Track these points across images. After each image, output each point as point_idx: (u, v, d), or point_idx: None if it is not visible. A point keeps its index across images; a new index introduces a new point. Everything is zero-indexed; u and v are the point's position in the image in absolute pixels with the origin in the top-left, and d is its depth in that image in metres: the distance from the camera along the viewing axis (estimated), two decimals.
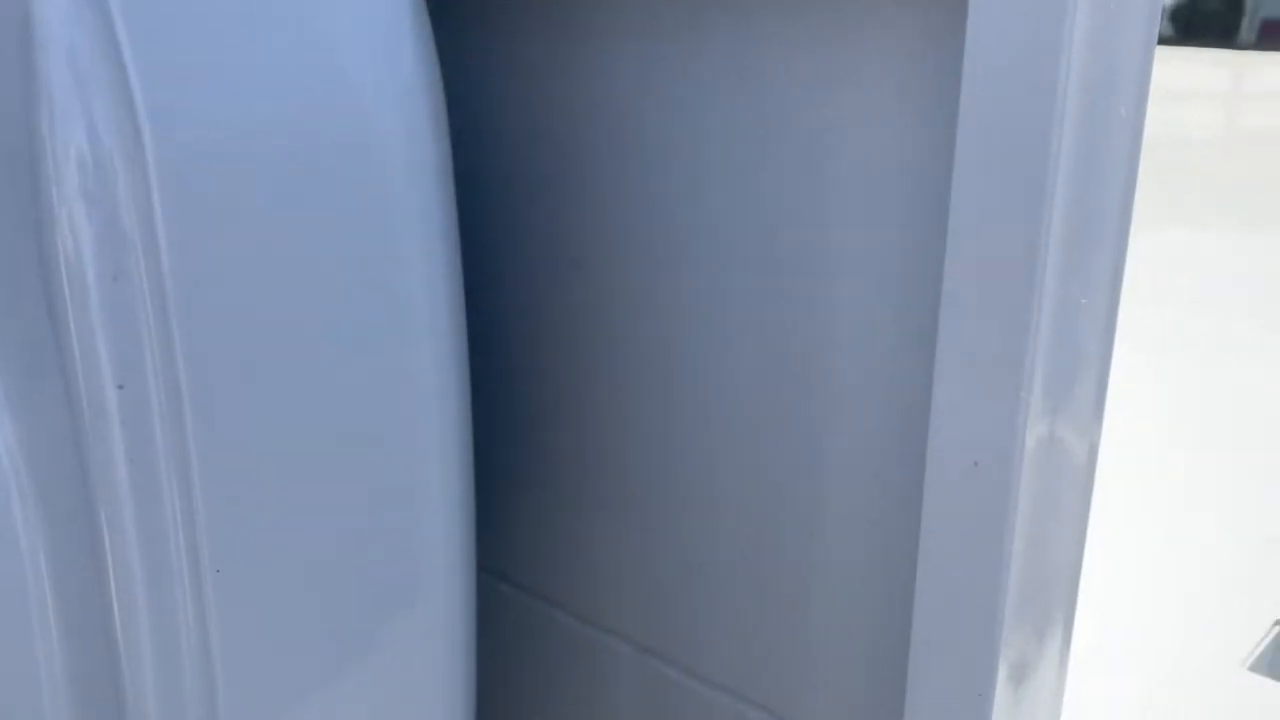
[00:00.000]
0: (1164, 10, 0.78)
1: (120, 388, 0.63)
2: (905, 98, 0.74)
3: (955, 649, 0.73)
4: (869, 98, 0.76)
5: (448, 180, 0.78)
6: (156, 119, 0.62)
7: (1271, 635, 1.11)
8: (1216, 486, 1.55)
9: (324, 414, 0.73)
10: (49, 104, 0.60)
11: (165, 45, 0.63)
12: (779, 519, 0.90)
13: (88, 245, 0.61)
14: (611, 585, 1.05)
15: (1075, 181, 0.65)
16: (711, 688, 0.99)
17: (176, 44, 0.63)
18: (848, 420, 0.84)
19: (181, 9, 0.64)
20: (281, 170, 0.68)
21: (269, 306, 0.69)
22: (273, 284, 0.69)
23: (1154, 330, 2.21)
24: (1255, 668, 1.06)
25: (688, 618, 0.99)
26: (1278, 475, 1.59)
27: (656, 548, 1.00)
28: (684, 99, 0.86)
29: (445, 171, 0.78)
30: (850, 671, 0.89)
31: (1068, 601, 0.79)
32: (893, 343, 0.80)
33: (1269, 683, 1.04)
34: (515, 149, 0.99)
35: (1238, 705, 1.05)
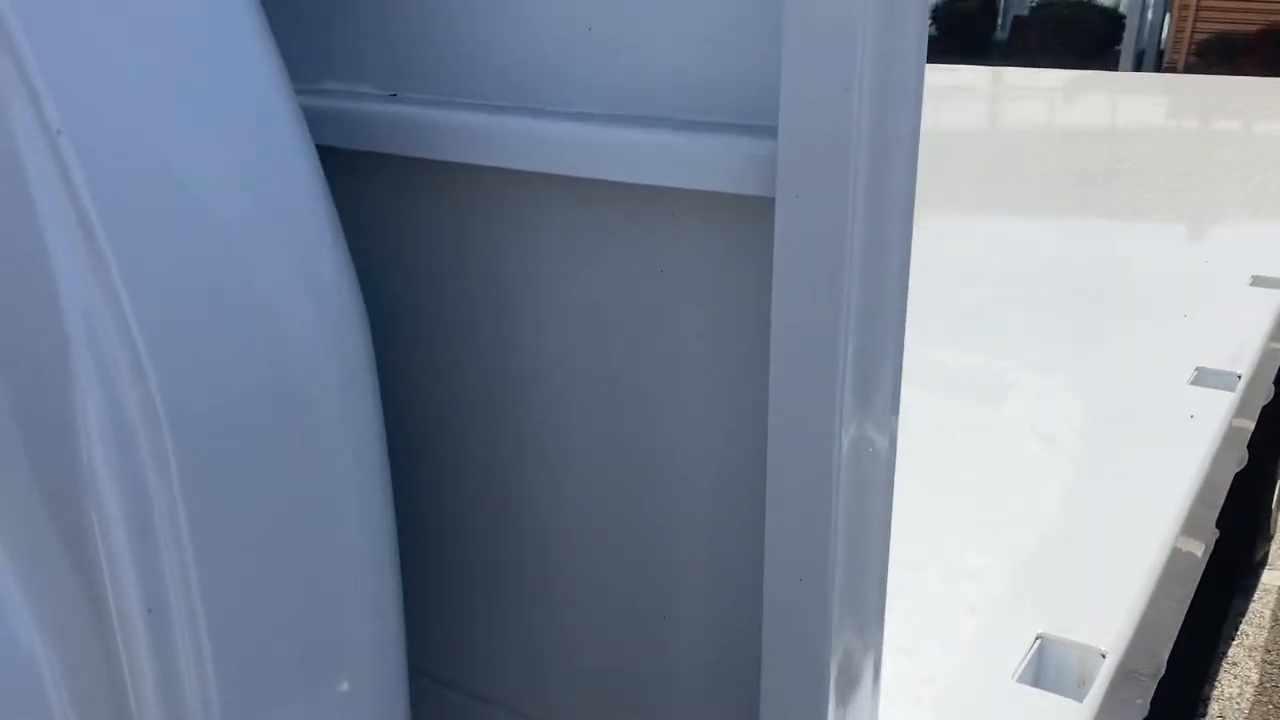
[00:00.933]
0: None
1: (149, 610, 0.76)
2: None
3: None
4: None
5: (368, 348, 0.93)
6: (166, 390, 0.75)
7: (1034, 649, 1.35)
8: (977, 497, 1.74)
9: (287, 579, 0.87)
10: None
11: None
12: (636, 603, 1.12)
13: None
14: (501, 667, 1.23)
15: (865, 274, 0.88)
16: None
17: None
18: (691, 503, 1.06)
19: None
20: (254, 392, 0.82)
21: (246, 500, 0.83)
22: (250, 479, 0.83)
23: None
24: (1022, 679, 1.29)
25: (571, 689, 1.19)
26: (1038, 485, 1.79)
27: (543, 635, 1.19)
28: (539, 268, 1.06)
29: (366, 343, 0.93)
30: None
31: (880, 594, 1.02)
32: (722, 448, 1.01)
33: (1035, 691, 1.27)
34: (413, 298, 1.16)
35: (1010, 714, 1.28)
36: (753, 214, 0.92)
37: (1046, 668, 1.33)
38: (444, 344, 1.16)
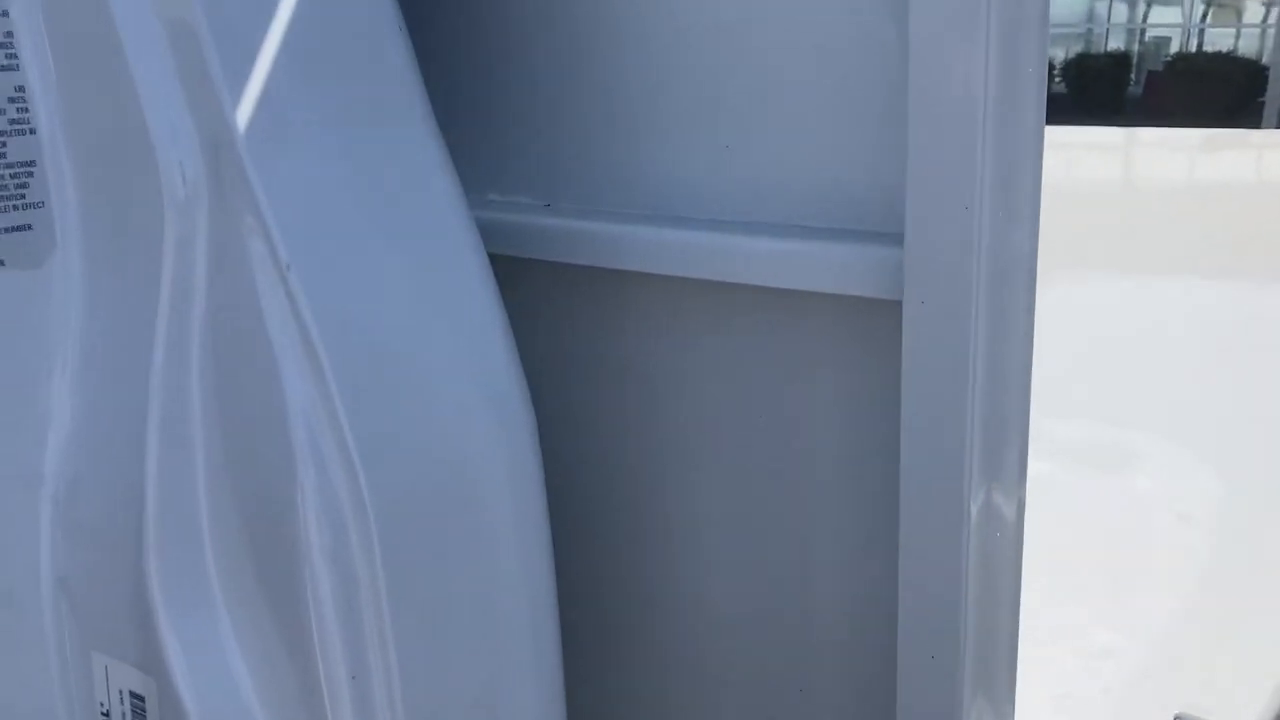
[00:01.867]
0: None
1: (353, 677, 0.87)
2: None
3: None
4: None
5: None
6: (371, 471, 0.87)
7: None
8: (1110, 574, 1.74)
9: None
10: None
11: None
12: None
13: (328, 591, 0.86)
14: None
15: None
16: None
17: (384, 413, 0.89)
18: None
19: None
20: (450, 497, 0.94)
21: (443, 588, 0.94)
22: (441, 576, 0.94)
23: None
24: None
25: None
26: (1173, 563, 1.78)
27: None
28: (684, 366, 1.17)
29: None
30: None
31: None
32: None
33: None
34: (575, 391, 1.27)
35: None
36: (882, 316, 1.00)
37: None
38: (596, 439, 1.26)
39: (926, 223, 0.93)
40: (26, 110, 0.87)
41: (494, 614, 0.97)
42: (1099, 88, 20.45)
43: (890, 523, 1.03)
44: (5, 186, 0.87)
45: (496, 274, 1.02)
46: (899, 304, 0.97)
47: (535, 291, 1.27)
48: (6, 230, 0.87)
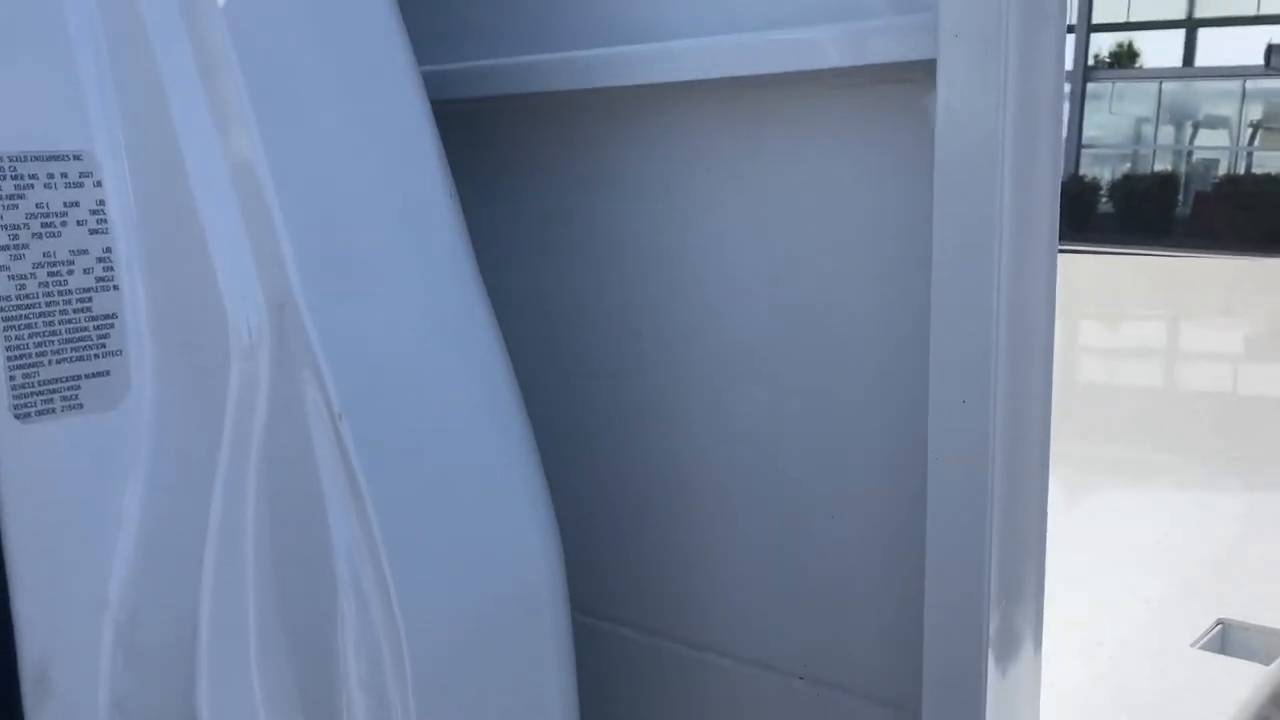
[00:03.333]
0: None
1: None
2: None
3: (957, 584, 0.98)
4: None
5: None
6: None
7: (1215, 630, 1.25)
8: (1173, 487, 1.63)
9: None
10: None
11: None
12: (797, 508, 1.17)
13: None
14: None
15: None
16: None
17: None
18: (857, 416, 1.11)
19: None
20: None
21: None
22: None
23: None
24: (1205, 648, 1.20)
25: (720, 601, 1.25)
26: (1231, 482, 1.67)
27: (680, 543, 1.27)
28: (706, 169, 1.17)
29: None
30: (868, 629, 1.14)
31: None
32: (890, 348, 1.07)
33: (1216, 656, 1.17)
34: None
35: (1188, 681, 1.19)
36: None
37: (1228, 645, 1.26)
38: (619, 264, 1.28)
39: None
40: (112, 269, 0.97)
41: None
42: (1146, 207, 20.50)
43: (922, 326, 1.01)
44: (89, 337, 0.96)
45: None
46: (933, 62, 0.95)
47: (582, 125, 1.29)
48: (89, 376, 0.96)
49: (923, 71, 0.97)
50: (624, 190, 1.25)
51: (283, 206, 0.95)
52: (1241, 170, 23.16)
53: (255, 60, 0.96)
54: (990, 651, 0.98)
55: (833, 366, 1.12)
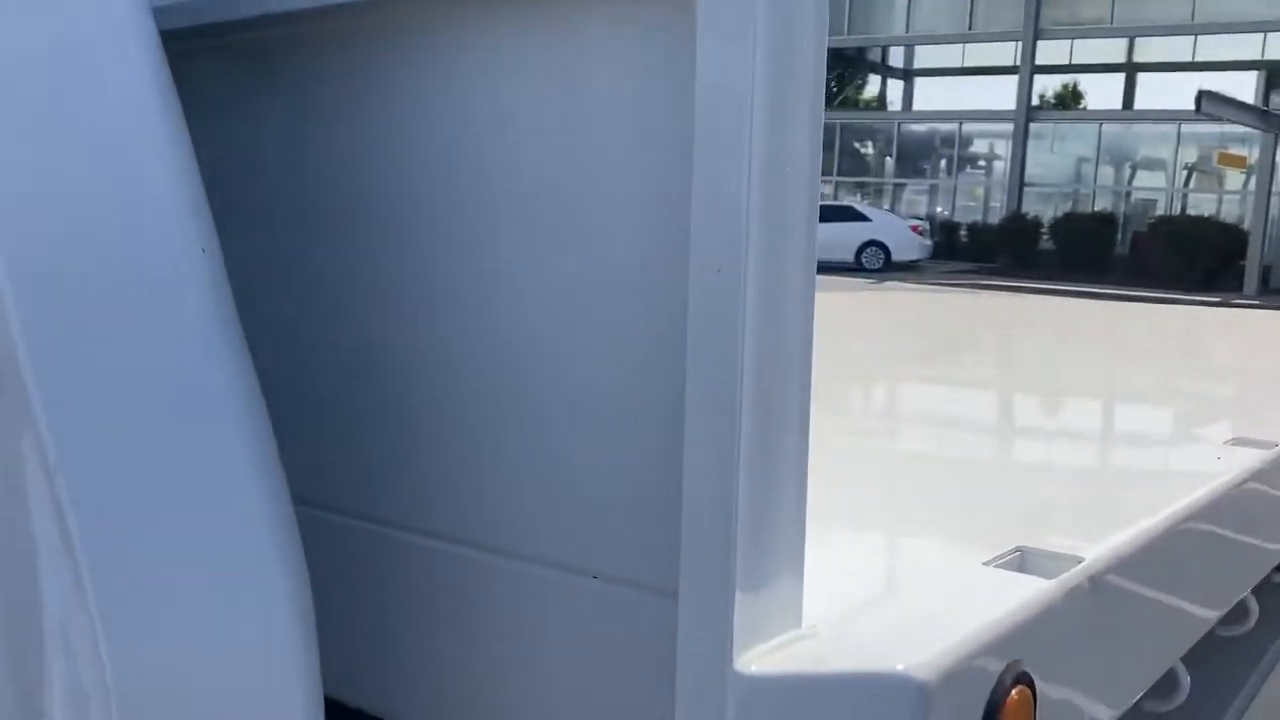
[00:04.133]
0: None
1: None
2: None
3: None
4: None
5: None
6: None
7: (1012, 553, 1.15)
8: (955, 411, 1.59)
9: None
10: None
11: None
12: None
13: None
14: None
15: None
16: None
17: None
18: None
19: None
20: None
21: None
22: None
23: None
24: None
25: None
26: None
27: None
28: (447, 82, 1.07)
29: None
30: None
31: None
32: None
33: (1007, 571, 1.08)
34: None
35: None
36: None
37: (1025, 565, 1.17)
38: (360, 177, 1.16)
39: None
40: None
41: None
42: (1085, 246, 20.82)
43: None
44: None
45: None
46: None
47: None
48: None
49: None
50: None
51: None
52: (1177, 210, 23.68)
53: None
54: (740, 530, 0.93)
55: (592, 260, 1.07)
